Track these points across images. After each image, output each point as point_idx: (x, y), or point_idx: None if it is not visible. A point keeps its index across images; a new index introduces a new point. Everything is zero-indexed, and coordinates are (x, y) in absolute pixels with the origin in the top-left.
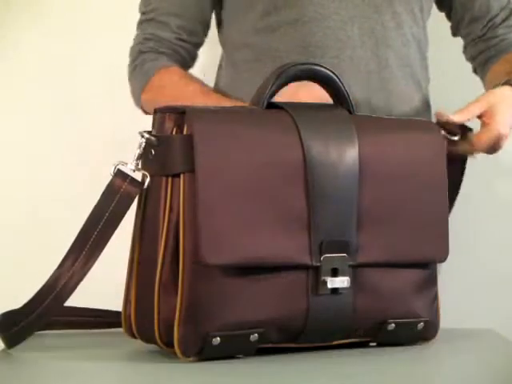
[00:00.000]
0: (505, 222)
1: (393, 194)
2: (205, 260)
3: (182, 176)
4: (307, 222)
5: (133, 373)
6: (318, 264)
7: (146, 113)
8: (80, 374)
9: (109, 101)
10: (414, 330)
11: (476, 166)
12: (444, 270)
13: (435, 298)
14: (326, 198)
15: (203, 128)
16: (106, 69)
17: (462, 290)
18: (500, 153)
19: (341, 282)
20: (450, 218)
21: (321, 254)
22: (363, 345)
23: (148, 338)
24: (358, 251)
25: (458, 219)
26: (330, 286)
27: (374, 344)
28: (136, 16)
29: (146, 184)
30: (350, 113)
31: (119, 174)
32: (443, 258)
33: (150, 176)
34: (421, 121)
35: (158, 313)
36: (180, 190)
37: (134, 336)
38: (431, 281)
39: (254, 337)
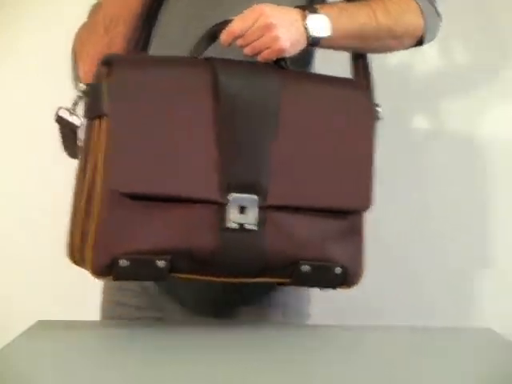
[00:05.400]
0: (505, 220)
1: (311, 142)
2: (115, 188)
3: (105, 118)
4: (218, 161)
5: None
6: (226, 201)
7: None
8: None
9: None
10: (330, 273)
11: (473, 164)
12: (444, 270)
13: (360, 248)
14: (239, 139)
15: (119, 75)
16: None
17: (460, 290)
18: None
19: (246, 218)
20: (450, 218)
21: (229, 192)
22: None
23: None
24: (270, 193)
25: (458, 219)
26: (235, 221)
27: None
28: None
29: (80, 124)
30: (284, 68)
31: (59, 120)
32: (364, 208)
33: (86, 119)
34: (351, 79)
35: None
36: (104, 129)
37: (75, 261)
38: (354, 230)
39: (162, 263)
